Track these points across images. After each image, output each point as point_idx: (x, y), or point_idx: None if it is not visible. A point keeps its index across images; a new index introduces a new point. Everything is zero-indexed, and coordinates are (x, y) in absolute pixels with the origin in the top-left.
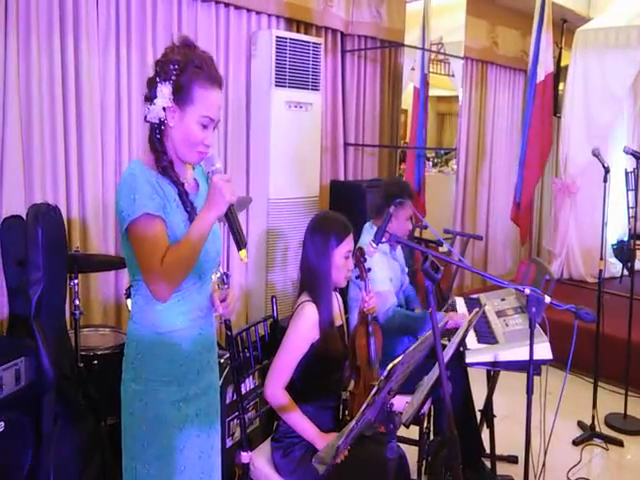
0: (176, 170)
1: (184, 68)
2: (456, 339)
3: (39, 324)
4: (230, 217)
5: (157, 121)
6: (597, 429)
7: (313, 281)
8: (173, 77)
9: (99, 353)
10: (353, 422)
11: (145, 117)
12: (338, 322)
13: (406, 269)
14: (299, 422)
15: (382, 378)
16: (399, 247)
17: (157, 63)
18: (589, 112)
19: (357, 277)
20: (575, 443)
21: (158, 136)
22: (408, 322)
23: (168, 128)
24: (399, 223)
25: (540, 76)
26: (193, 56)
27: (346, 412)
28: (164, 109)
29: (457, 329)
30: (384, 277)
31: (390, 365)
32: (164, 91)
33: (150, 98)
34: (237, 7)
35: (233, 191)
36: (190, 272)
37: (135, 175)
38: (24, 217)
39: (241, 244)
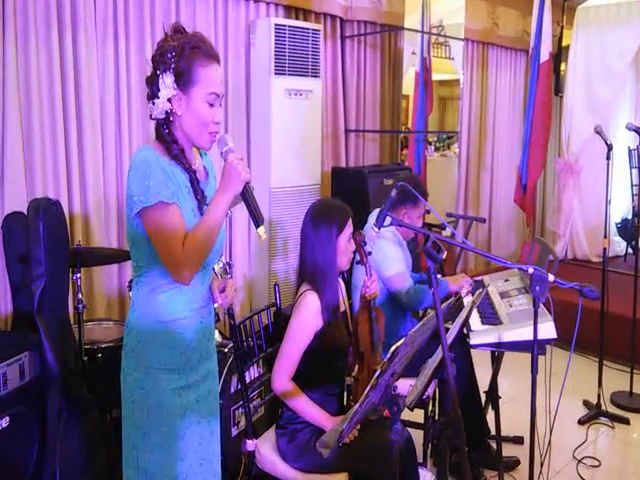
0: (187, 157)
1: (181, 52)
2: (459, 320)
3: (42, 319)
4: (247, 195)
5: (164, 115)
6: (603, 407)
7: (318, 271)
8: (172, 64)
9: (103, 346)
10: (357, 405)
11: (150, 115)
12: (341, 308)
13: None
14: (307, 408)
15: (385, 360)
16: (405, 246)
17: (154, 58)
18: (591, 90)
19: (357, 262)
20: (581, 422)
21: (166, 130)
22: (415, 290)
23: (176, 117)
24: (412, 222)
25: (544, 56)
26: (187, 39)
27: (350, 397)
28: (169, 100)
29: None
30: (401, 258)
31: (393, 347)
32: (167, 81)
33: (153, 95)
34: None
35: (247, 169)
36: (210, 253)
37: (149, 161)
38: (26, 213)
39: (259, 221)
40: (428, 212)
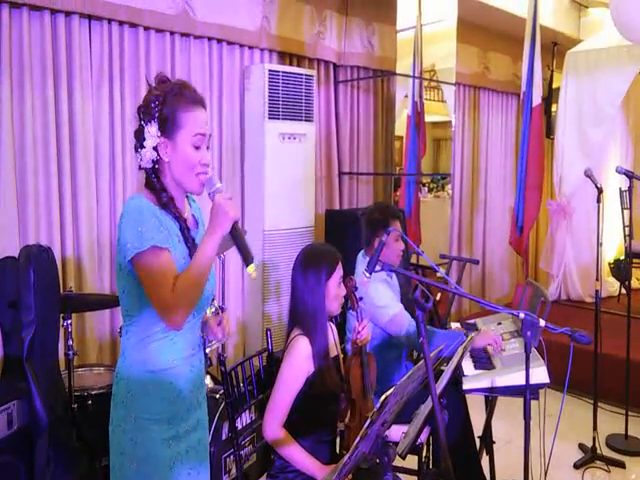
0: (177, 206)
1: (164, 100)
2: (451, 366)
3: (32, 366)
4: (235, 234)
5: (151, 165)
6: (598, 451)
7: (307, 316)
8: (157, 113)
9: (93, 393)
10: (346, 456)
11: (139, 166)
12: (333, 353)
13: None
14: (299, 457)
15: (375, 410)
16: (392, 277)
17: (139, 110)
18: (582, 132)
19: (349, 308)
20: (576, 466)
21: (155, 179)
22: (430, 336)
23: (164, 165)
24: (389, 247)
25: (536, 99)
26: (170, 87)
27: (343, 444)
28: (155, 149)
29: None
30: (391, 299)
31: (383, 397)
32: (151, 131)
33: (139, 146)
34: (230, 42)
35: (236, 208)
36: (200, 296)
37: (141, 208)
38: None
39: (248, 259)
40: (419, 255)
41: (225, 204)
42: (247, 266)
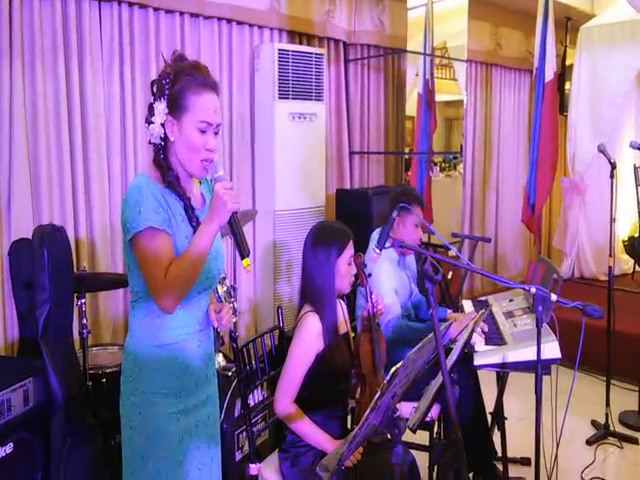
0: (182, 185)
1: (175, 79)
2: (460, 341)
3: (46, 344)
4: (233, 226)
5: (159, 141)
6: (611, 427)
7: (317, 293)
8: (166, 91)
9: (107, 371)
10: (357, 428)
11: (149, 141)
12: (343, 330)
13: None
14: (310, 431)
15: (384, 382)
16: (412, 255)
17: (152, 84)
18: (595, 108)
19: (358, 284)
20: (589, 443)
21: (162, 155)
22: (412, 334)
23: (170, 143)
24: (406, 230)
25: (549, 75)
26: (184, 66)
27: (354, 420)
28: (162, 125)
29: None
30: (389, 288)
31: (392, 369)
32: (159, 107)
33: (149, 120)
34: (239, 22)
35: (236, 199)
36: (194, 284)
37: (141, 188)
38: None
39: (244, 253)
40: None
41: (224, 194)
42: (242, 259)
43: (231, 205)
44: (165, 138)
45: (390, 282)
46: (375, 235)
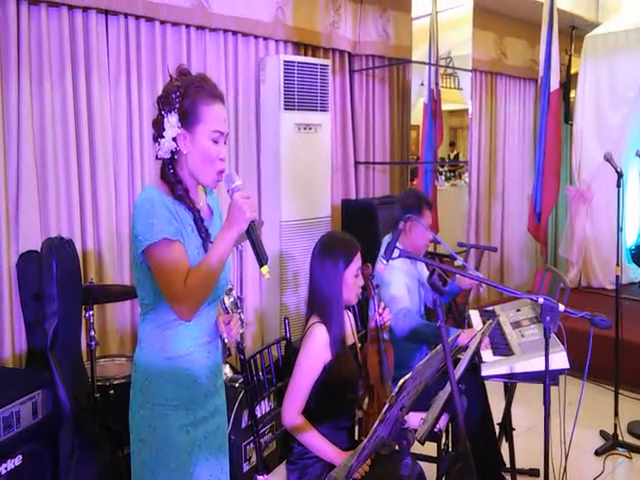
0: (191, 196)
1: (185, 92)
2: (469, 352)
3: (55, 356)
4: (251, 234)
5: (169, 155)
6: (620, 438)
7: (324, 304)
8: (177, 104)
9: (115, 383)
10: (365, 440)
11: (156, 156)
12: (350, 341)
13: (426, 284)
14: (317, 443)
15: (393, 394)
16: (416, 268)
17: (159, 100)
18: (601, 117)
19: (366, 295)
20: (598, 453)
21: (172, 170)
22: (422, 328)
23: (182, 156)
24: (417, 234)
25: (554, 85)
26: (191, 79)
27: (362, 431)
28: (174, 139)
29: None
30: (399, 281)
31: (401, 381)
32: (172, 121)
33: (158, 135)
34: (245, 34)
35: (254, 207)
36: (211, 291)
37: (153, 199)
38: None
39: (262, 260)
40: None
41: (242, 203)
42: (261, 267)
43: (249, 214)
44: (175, 152)
45: (401, 275)
46: (387, 239)
